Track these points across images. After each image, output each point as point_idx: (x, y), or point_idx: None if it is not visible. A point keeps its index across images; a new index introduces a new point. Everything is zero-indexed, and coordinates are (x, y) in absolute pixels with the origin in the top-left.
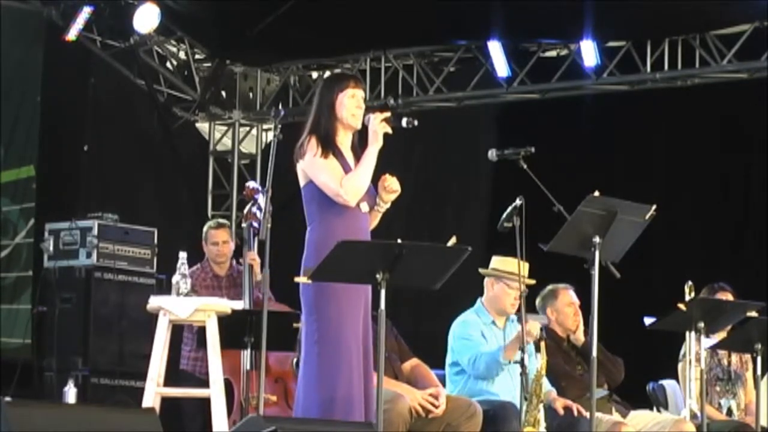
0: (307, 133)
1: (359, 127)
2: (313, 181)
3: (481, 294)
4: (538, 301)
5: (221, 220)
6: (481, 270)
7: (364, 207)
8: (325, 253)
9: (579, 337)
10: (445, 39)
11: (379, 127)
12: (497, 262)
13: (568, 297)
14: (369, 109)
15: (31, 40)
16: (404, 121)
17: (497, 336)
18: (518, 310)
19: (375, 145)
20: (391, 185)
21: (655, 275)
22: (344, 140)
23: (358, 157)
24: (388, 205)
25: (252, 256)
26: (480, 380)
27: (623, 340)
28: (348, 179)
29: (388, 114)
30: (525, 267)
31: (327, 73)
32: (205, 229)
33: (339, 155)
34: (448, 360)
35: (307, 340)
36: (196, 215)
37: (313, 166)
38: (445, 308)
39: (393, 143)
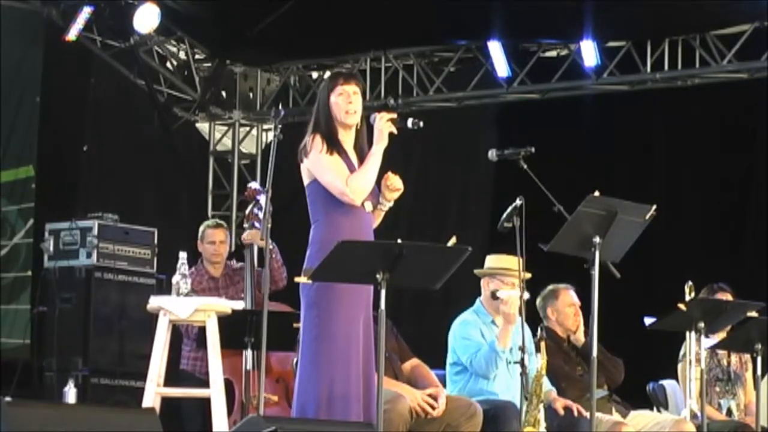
0: (311, 132)
1: (354, 122)
2: (317, 180)
3: (480, 294)
4: (538, 301)
5: (219, 221)
6: (475, 271)
7: (368, 206)
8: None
9: (579, 338)
10: (445, 39)
11: (384, 126)
12: (491, 260)
13: (568, 297)
14: (372, 109)
15: (31, 40)
16: (410, 122)
17: (497, 335)
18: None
19: (380, 144)
20: (394, 183)
21: (655, 275)
22: (346, 139)
23: (361, 156)
24: (390, 204)
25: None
26: (481, 379)
27: (623, 340)
28: (354, 178)
29: (394, 115)
30: (521, 261)
31: (327, 73)
32: (202, 228)
33: (342, 154)
34: (449, 360)
35: (306, 336)
36: (196, 215)
37: (319, 165)
38: (447, 308)
39: (393, 143)
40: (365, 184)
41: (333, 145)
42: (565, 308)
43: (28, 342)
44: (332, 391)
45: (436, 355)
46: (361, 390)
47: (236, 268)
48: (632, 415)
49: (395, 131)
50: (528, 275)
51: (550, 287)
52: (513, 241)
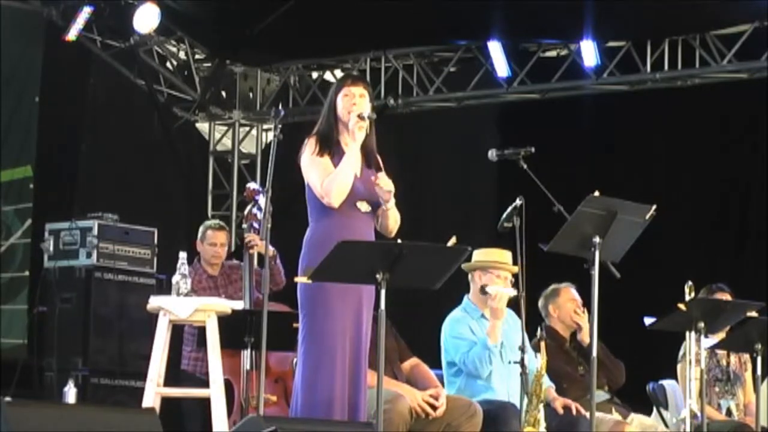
0: (310, 134)
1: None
2: None
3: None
4: (540, 300)
5: (221, 223)
6: (464, 265)
7: (364, 207)
8: (318, 253)
9: (585, 338)
10: (445, 39)
11: (356, 127)
12: (479, 254)
13: (569, 293)
14: (372, 109)
15: (31, 39)
16: (365, 114)
17: (488, 330)
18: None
19: (353, 144)
20: (383, 185)
21: (655, 275)
22: (349, 141)
23: (367, 158)
24: (392, 203)
25: (254, 239)
26: (479, 379)
27: (623, 340)
28: (328, 180)
29: (362, 111)
30: (508, 255)
31: (327, 73)
32: (202, 228)
33: (340, 155)
34: (444, 360)
35: (299, 337)
36: (196, 215)
37: (307, 167)
38: (448, 308)
39: (393, 143)
40: (339, 186)
41: (327, 146)
42: (567, 303)
43: (26, 342)
44: (315, 396)
45: (435, 355)
46: (348, 391)
47: (233, 265)
48: (630, 418)
49: (366, 128)
50: (515, 269)
51: (552, 286)
52: (513, 241)
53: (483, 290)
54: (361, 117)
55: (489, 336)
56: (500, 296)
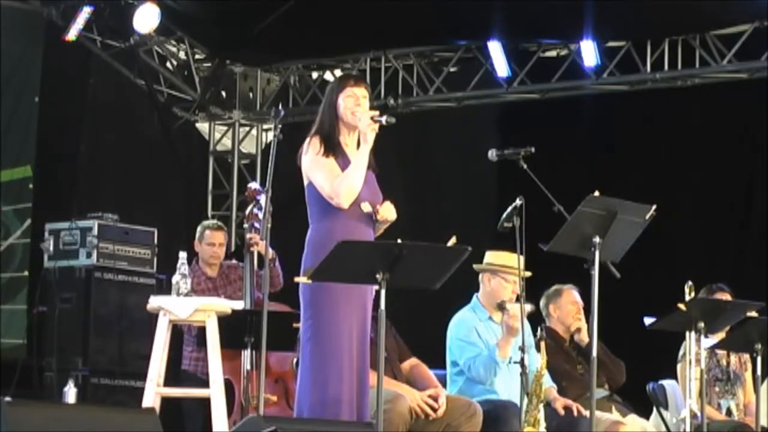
0: (311, 134)
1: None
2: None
3: (478, 290)
4: (542, 300)
5: (219, 223)
6: (475, 266)
7: (366, 207)
8: (322, 253)
9: (583, 338)
10: (445, 39)
11: (368, 128)
12: (491, 256)
13: (571, 295)
14: (373, 109)
15: (31, 39)
16: (384, 119)
17: (495, 331)
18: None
19: (365, 145)
20: (387, 217)
21: (655, 275)
22: (349, 141)
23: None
24: (387, 225)
25: (254, 238)
26: (479, 383)
27: (623, 340)
28: (338, 181)
29: (375, 112)
30: (520, 259)
31: (327, 73)
32: (201, 228)
33: (342, 156)
34: (448, 359)
35: (302, 339)
36: (196, 215)
37: (312, 167)
38: (448, 308)
39: (393, 143)
40: (350, 187)
41: (331, 147)
42: (568, 305)
43: (25, 342)
44: (324, 395)
45: (437, 355)
46: (354, 391)
47: (231, 265)
48: (628, 418)
49: (376, 129)
50: (528, 274)
51: (555, 287)
52: (513, 241)
53: (501, 307)
54: (374, 119)
55: (500, 349)
56: (518, 315)
